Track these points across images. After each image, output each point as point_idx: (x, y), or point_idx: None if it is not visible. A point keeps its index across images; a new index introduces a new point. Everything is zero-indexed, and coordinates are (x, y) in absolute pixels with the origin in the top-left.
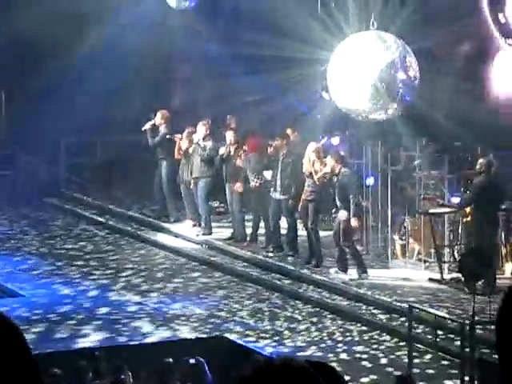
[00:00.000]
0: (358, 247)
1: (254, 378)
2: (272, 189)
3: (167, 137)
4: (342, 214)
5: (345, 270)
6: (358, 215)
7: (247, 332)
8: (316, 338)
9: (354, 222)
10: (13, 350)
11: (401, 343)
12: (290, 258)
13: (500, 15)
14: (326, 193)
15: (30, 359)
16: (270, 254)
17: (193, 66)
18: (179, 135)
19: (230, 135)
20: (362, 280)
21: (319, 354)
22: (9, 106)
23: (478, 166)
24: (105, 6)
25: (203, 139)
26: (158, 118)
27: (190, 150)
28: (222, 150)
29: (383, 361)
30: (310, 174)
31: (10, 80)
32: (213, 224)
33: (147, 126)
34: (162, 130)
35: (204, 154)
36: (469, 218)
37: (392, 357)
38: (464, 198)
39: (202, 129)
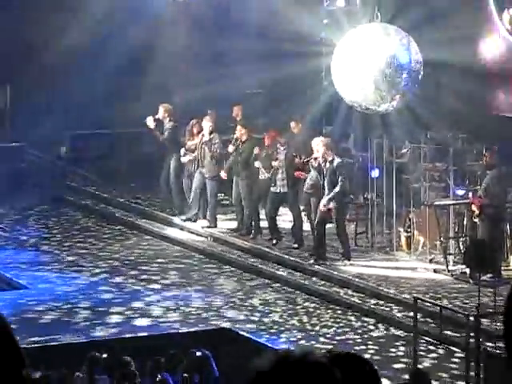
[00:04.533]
0: (364, 239)
1: (271, 372)
2: (272, 182)
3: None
4: (325, 201)
5: (324, 259)
6: (337, 200)
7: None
8: (316, 329)
9: (326, 204)
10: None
11: (406, 335)
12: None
13: None
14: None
15: (17, 351)
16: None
17: (194, 59)
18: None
19: (239, 129)
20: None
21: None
22: (14, 101)
23: (487, 159)
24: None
25: (209, 135)
26: (161, 112)
27: (193, 143)
28: (230, 148)
29: (388, 353)
30: (313, 166)
31: (15, 75)
32: (217, 217)
33: (150, 122)
34: (167, 124)
35: (213, 152)
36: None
37: (397, 349)
38: (484, 189)
39: (207, 124)
